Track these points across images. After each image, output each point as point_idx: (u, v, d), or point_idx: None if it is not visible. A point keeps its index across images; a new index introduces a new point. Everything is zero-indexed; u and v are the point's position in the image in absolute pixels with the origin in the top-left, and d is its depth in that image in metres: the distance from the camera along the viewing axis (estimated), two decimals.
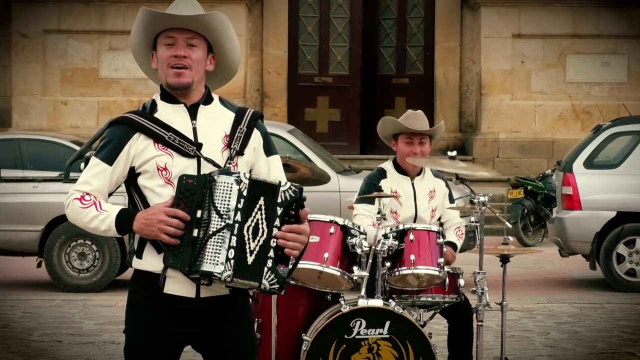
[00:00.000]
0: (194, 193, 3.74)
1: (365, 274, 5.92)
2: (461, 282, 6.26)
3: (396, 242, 6.06)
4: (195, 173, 3.83)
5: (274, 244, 3.76)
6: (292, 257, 3.80)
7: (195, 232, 3.73)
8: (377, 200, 6.35)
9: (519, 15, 20.10)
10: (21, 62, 20.04)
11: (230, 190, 3.73)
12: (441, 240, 6.16)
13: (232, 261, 3.69)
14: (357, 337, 5.79)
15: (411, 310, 6.19)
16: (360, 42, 21.10)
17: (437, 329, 7.13)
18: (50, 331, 9.40)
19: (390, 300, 5.98)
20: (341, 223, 6.02)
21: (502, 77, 20.19)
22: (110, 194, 3.93)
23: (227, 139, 3.92)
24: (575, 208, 12.31)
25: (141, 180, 3.89)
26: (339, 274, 5.94)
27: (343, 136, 20.85)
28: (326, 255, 5.90)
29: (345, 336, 5.78)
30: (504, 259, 6.50)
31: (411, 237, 6.10)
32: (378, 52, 21.29)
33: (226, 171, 3.79)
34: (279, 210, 3.77)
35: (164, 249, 3.79)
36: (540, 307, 10.90)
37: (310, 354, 5.77)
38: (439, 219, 6.71)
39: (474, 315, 6.31)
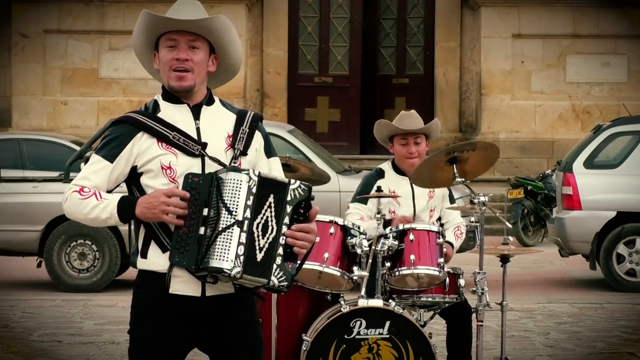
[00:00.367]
0: (200, 191, 3.75)
1: (365, 274, 5.92)
2: (461, 282, 6.26)
3: (396, 242, 6.06)
4: (199, 172, 3.84)
5: (283, 241, 3.77)
6: (299, 255, 3.81)
7: (202, 230, 3.72)
8: (373, 200, 6.36)
9: (519, 15, 20.10)
10: (21, 62, 20.04)
11: (240, 187, 3.73)
12: (441, 240, 6.16)
13: (241, 257, 3.69)
14: (357, 337, 5.79)
15: (411, 310, 6.19)
16: (360, 42, 21.11)
17: (437, 329, 7.13)
18: (50, 331, 9.40)
19: (390, 300, 5.98)
20: (341, 223, 6.03)
21: (502, 77, 20.19)
22: (109, 192, 3.91)
23: (230, 139, 3.93)
24: (575, 208, 12.31)
25: (144, 180, 3.88)
26: (339, 274, 5.94)
27: (343, 136, 20.86)
28: (326, 255, 5.90)
29: (345, 336, 5.78)
30: (504, 259, 6.50)
31: (411, 237, 6.10)
32: (378, 52, 21.29)
33: (235, 168, 3.80)
34: (289, 208, 3.78)
35: (169, 247, 3.79)
36: (540, 307, 10.91)
37: (310, 354, 5.76)
38: (439, 219, 6.71)
39: (474, 315, 6.31)
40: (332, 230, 5.97)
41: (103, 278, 11.92)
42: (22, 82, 20.07)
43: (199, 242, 3.72)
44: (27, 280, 12.93)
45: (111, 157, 3.87)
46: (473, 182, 6.60)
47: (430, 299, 6.21)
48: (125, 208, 3.80)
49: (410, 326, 5.83)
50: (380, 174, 6.61)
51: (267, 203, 3.77)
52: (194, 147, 3.86)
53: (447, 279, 6.10)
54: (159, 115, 3.92)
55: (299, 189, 3.81)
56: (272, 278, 3.76)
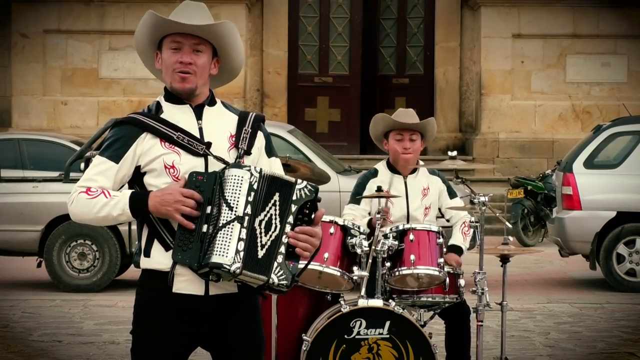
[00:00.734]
0: (204, 190, 3.75)
1: (365, 274, 5.92)
2: (461, 282, 6.26)
3: (396, 242, 6.07)
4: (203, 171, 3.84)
5: (286, 240, 3.77)
6: (301, 257, 3.80)
7: (204, 228, 3.72)
8: (366, 200, 6.39)
9: (519, 15, 20.10)
10: (21, 62, 20.04)
11: (241, 183, 3.73)
12: (441, 240, 6.17)
13: (241, 253, 3.69)
14: (357, 337, 5.79)
15: (411, 310, 6.19)
16: (360, 42, 21.11)
17: (437, 329, 7.12)
18: (50, 331, 9.40)
19: (390, 300, 5.98)
20: (341, 223, 6.04)
21: (502, 77, 20.19)
22: None
23: (233, 139, 3.94)
24: (575, 208, 12.31)
25: (148, 179, 3.88)
26: (339, 274, 5.94)
27: (343, 136, 20.86)
28: (326, 255, 5.91)
29: (345, 336, 5.78)
30: (504, 259, 6.50)
31: (411, 237, 6.11)
32: (378, 52, 21.29)
33: (237, 165, 3.81)
34: (294, 208, 3.78)
35: (172, 245, 3.79)
36: (540, 307, 10.90)
37: (310, 354, 5.77)
38: (443, 216, 6.71)
39: (474, 315, 6.31)
40: (332, 230, 5.99)
41: (103, 278, 11.91)
42: (22, 82, 20.07)
43: (201, 240, 3.72)
44: (27, 280, 12.93)
45: (116, 157, 3.86)
46: (473, 182, 6.61)
47: (430, 299, 6.21)
48: (138, 201, 3.78)
49: (410, 326, 5.83)
50: (374, 173, 6.63)
51: (272, 201, 3.76)
52: (198, 146, 3.87)
53: (447, 279, 6.10)
54: (162, 116, 3.92)
55: (305, 189, 3.81)
56: (272, 276, 3.74)
